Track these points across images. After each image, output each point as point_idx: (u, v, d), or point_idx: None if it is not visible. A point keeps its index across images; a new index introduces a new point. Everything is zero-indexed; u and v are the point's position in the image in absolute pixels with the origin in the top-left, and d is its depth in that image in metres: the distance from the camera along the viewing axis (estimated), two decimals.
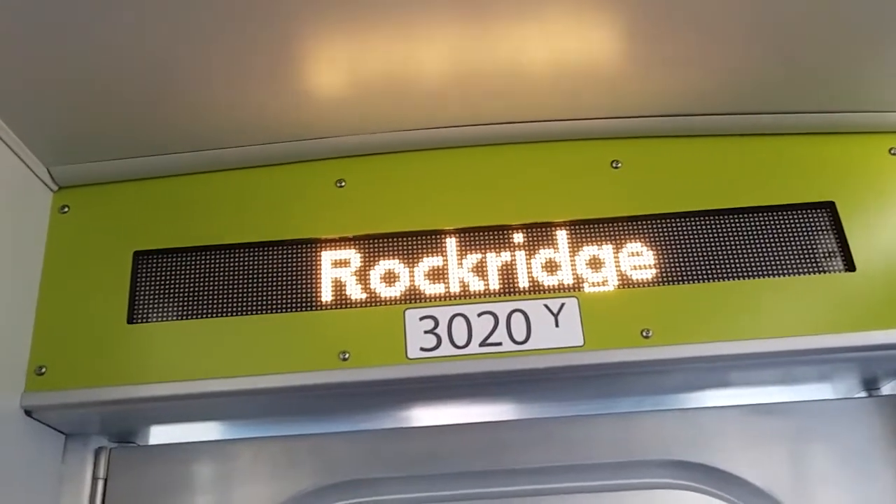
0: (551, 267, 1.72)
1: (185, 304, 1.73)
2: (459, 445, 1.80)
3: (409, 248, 1.75)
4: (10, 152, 1.67)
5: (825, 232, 1.74)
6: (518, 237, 1.75)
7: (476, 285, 1.71)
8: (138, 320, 1.72)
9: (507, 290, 1.70)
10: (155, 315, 1.72)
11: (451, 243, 1.75)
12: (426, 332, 1.67)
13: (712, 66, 1.66)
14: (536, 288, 1.70)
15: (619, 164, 1.82)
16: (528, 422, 1.85)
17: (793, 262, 1.72)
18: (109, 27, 1.43)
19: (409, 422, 1.90)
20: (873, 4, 1.48)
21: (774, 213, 1.76)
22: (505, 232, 1.76)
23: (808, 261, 1.72)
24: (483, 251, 1.74)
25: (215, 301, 1.72)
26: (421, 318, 1.68)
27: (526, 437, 1.81)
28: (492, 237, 1.76)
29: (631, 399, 1.91)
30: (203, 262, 1.76)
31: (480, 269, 1.73)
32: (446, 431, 1.83)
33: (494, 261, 1.73)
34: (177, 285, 1.75)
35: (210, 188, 1.83)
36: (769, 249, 1.73)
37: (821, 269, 1.71)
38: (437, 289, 1.71)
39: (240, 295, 1.73)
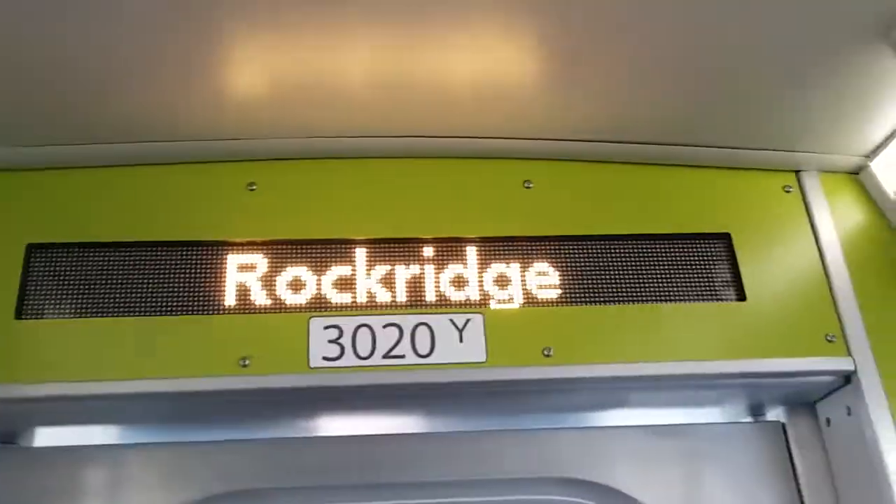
0: (459, 282, 1.74)
1: (80, 301, 1.67)
2: (356, 457, 1.79)
3: (318, 255, 1.74)
4: None
5: (720, 262, 1.82)
6: (427, 251, 1.76)
7: (383, 297, 1.71)
8: (28, 316, 1.64)
9: (413, 303, 1.71)
10: (46, 311, 1.66)
11: (360, 253, 1.75)
12: (330, 341, 1.65)
13: (625, 97, 1.72)
14: (443, 302, 1.72)
15: (532, 185, 1.85)
16: (429, 436, 1.86)
17: (690, 289, 1.78)
18: (27, 9, 1.38)
19: (310, 432, 1.88)
20: (776, 48, 1.56)
21: (674, 241, 1.83)
22: (415, 245, 1.77)
23: (703, 289, 1.79)
24: (392, 263, 1.74)
25: (112, 299, 1.67)
26: (325, 328, 1.66)
27: (426, 451, 1.81)
28: (401, 249, 1.76)
29: (533, 416, 1.93)
30: (101, 258, 1.70)
31: (388, 281, 1.73)
32: (343, 442, 1.82)
33: (403, 273, 1.74)
34: (72, 281, 1.68)
35: (115, 183, 1.77)
36: (668, 276, 1.79)
37: (715, 297, 1.78)
38: (344, 298, 1.70)
39: (139, 294, 1.68)
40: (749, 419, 1.98)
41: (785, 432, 1.88)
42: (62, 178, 1.76)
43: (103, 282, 1.68)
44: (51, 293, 1.67)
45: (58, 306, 1.66)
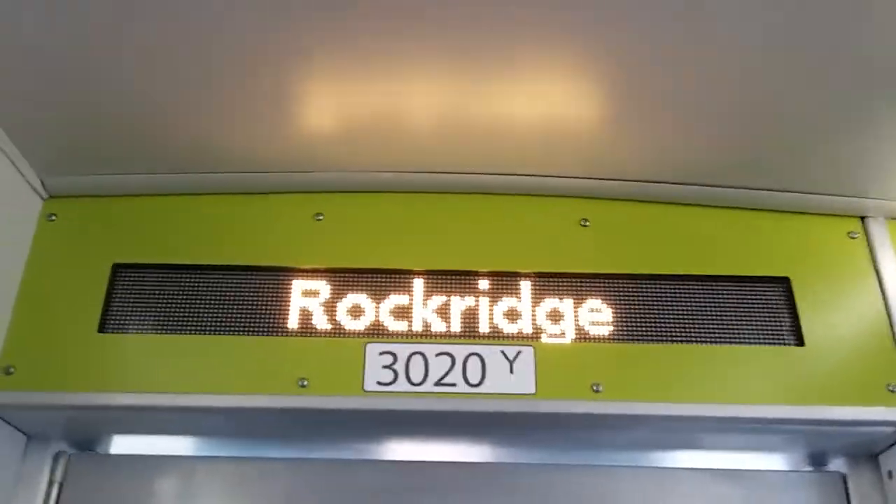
0: (512, 315, 1.78)
1: (156, 318, 1.79)
2: (409, 482, 1.83)
3: (377, 284, 1.81)
4: (6, 160, 1.75)
5: (779, 306, 1.80)
6: (483, 284, 1.81)
7: (437, 326, 1.77)
8: (109, 330, 1.77)
9: (466, 334, 1.76)
10: (126, 326, 1.78)
11: (417, 283, 1.81)
12: (384, 366, 1.72)
13: (685, 139, 1.74)
14: (495, 334, 1.76)
15: (588, 223, 1.88)
16: (480, 465, 1.89)
17: (745, 331, 1.77)
18: (114, 54, 1.51)
19: (361, 454, 1.92)
20: (841, 91, 1.56)
21: (731, 284, 1.82)
22: (470, 277, 1.82)
23: (761, 331, 1.77)
24: (448, 294, 1.80)
25: (185, 318, 1.78)
26: (381, 353, 1.73)
27: (476, 480, 1.84)
28: (457, 281, 1.82)
29: (586, 452, 1.93)
30: (178, 279, 1.82)
31: (443, 311, 1.78)
32: (397, 467, 1.87)
33: (458, 304, 1.79)
34: (150, 300, 1.81)
35: (193, 210, 1.90)
36: (723, 317, 1.79)
37: (773, 340, 1.76)
38: (400, 326, 1.76)
39: (210, 314, 1.78)
40: (810, 468, 1.92)
41: (846, 483, 1.83)
42: (147, 204, 1.90)
43: (179, 301, 1.80)
44: (131, 310, 1.80)
45: (137, 322, 1.79)
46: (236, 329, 1.77)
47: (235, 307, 1.79)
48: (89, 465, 1.87)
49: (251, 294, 1.81)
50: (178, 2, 1.39)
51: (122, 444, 1.93)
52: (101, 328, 1.77)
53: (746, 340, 1.76)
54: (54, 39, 1.47)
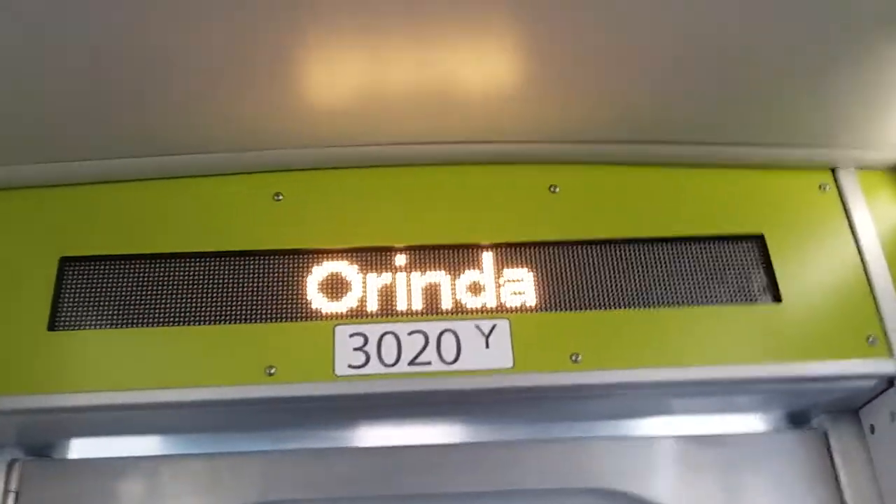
0: (483, 288, 1.72)
1: (110, 312, 1.69)
2: (386, 467, 1.77)
3: (343, 264, 1.74)
4: None
5: (755, 263, 1.77)
6: (451, 257, 1.75)
7: (408, 304, 1.70)
8: (60, 327, 1.67)
9: (437, 310, 1.69)
10: (78, 322, 1.68)
11: (388, 261, 1.74)
12: (355, 349, 1.65)
13: (650, 95, 1.68)
14: (468, 309, 1.70)
15: (557, 189, 1.83)
16: (458, 446, 1.83)
17: (722, 291, 1.74)
18: (50, 33, 1.41)
19: (336, 441, 1.86)
20: (804, 39, 1.52)
21: (705, 244, 1.79)
22: (439, 251, 1.76)
23: (736, 291, 1.74)
24: (421, 270, 1.73)
25: (141, 310, 1.69)
26: (351, 335, 1.66)
27: (454, 461, 1.79)
28: (430, 256, 1.75)
29: (562, 424, 1.89)
30: (131, 269, 1.72)
31: (413, 288, 1.71)
32: (372, 453, 1.81)
33: (429, 279, 1.73)
34: (102, 293, 1.71)
35: (142, 197, 1.80)
36: (699, 278, 1.75)
37: (749, 299, 1.73)
38: (370, 306, 1.70)
39: (167, 305, 1.69)
40: (791, 428, 1.90)
41: (828, 440, 1.81)
42: (92, 192, 1.80)
43: (133, 293, 1.70)
44: (82, 305, 1.70)
45: (89, 317, 1.69)
46: (197, 319, 1.68)
47: (194, 296, 1.70)
48: (46, 471, 1.77)
49: (210, 281, 1.72)
50: None
51: (81, 448, 1.85)
52: (52, 326, 1.67)
53: (723, 300, 1.73)
54: None
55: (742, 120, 1.76)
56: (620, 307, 1.71)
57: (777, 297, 1.73)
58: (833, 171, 1.87)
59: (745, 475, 1.80)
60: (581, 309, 1.71)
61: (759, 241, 1.79)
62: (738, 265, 1.77)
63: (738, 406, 1.85)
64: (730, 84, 1.65)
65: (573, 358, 1.65)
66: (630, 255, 1.77)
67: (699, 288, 1.74)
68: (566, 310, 1.71)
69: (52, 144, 1.72)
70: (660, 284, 1.74)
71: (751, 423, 1.91)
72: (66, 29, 1.41)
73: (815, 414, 1.86)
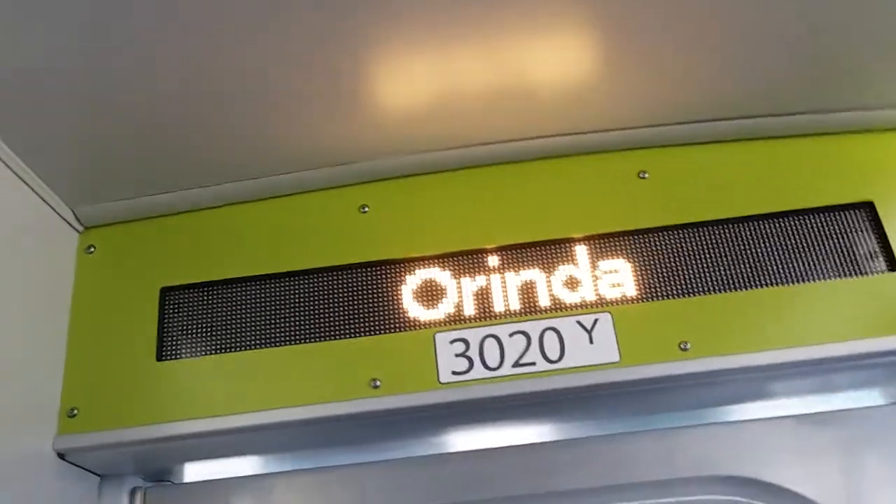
0: (579, 282, 1.69)
1: (213, 338, 1.71)
2: (497, 469, 1.75)
3: (437, 271, 1.73)
4: (33, 195, 1.68)
5: (865, 232, 1.69)
6: (544, 253, 1.72)
7: (506, 304, 1.67)
8: (167, 357, 1.70)
9: (536, 309, 1.67)
10: (184, 351, 1.71)
11: (481, 264, 1.72)
12: (457, 355, 1.63)
13: (740, 69, 1.62)
14: (567, 305, 1.66)
15: (647, 175, 1.78)
16: (568, 442, 1.80)
17: (833, 265, 1.66)
18: (130, 64, 1.43)
19: (444, 448, 1.85)
20: None
21: (810, 216, 1.71)
22: (532, 249, 1.73)
23: (848, 263, 1.66)
24: (515, 270, 1.71)
25: (243, 334, 1.71)
26: (452, 342, 1.65)
27: (567, 459, 1.76)
28: (523, 254, 1.72)
29: (673, 414, 1.84)
30: (229, 294, 1.75)
31: (508, 288, 1.69)
32: (483, 456, 1.79)
33: (524, 278, 1.70)
34: (204, 320, 1.73)
35: (233, 221, 1.82)
36: (807, 253, 1.68)
37: (862, 271, 1.65)
38: (468, 311, 1.68)
39: (267, 326, 1.71)
40: None
41: None
42: (185, 221, 1.83)
43: (232, 317, 1.73)
44: (186, 333, 1.73)
45: (193, 346, 1.72)
46: (297, 338, 1.69)
47: (292, 315, 1.71)
48: (166, 496, 1.82)
49: (305, 299, 1.73)
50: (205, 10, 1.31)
51: (196, 471, 1.89)
52: (159, 356, 1.70)
53: (835, 274, 1.65)
54: (71, 59, 1.39)
55: (835, 84, 1.68)
56: (725, 290, 1.65)
57: (892, 266, 1.64)
58: None
59: (866, 451, 1.72)
60: (684, 296, 1.65)
61: (868, 208, 1.70)
62: (848, 236, 1.68)
63: (858, 381, 1.76)
64: (818, 48, 1.57)
65: (682, 346, 1.60)
66: (729, 235, 1.71)
67: (808, 263, 1.66)
68: (668, 297, 1.65)
69: (142, 178, 1.76)
70: (765, 263, 1.67)
71: (871, 397, 1.82)
72: (152, 56, 1.42)
73: None
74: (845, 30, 1.53)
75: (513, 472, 1.75)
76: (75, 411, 1.65)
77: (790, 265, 1.67)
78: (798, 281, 1.65)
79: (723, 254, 1.69)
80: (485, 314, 1.67)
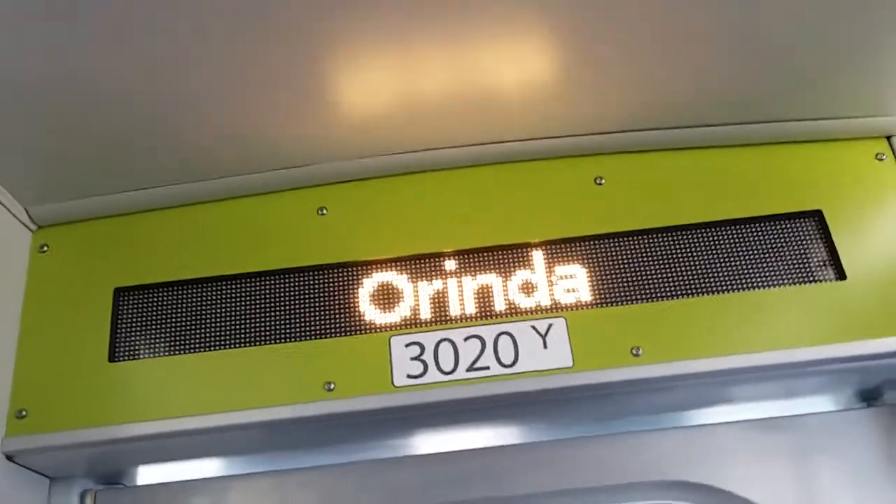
0: (535, 287, 1.70)
1: (167, 339, 1.70)
2: (452, 473, 1.76)
3: (392, 275, 1.73)
4: None
5: (814, 241, 1.72)
6: (500, 258, 1.73)
7: (461, 309, 1.68)
8: (120, 358, 1.69)
9: (491, 313, 1.67)
10: (137, 352, 1.70)
11: (438, 268, 1.73)
12: (412, 358, 1.64)
13: (695, 77, 1.64)
14: (522, 309, 1.67)
15: (603, 181, 1.79)
16: (522, 447, 1.81)
17: (782, 272, 1.69)
18: (81, 63, 1.42)
19: (399, 451, 1.85)
20: (854, 9, 1.47)
21: (761, 224, 1.73)
22: (489, 253, 1.74)
23: (797, 271, 1.69)
24: (472, 274, 1.72)
25: (197, 335, 1.70)
26: (407, 345, 1.65)
27: (521, 463, 1.77)
28: (480, 258, 1.73)
29: (626, 419, 1.86)
30: (183, 296, 1.74)
31: (465, 293, 1.70)
32: (438, 460, 1.79)
33: (481, 282, 1.71)
34: (158, 321, 1.72)
35: (189, 222, 1.81)
36: (757, 261, 1.70)
37: (811, 278, 1.68)
38: (423, 315, 1.68)
39: (222, 328, 1.70)
40: (863, 405, 1.85)
41: None
42: (140, 222, 1.81)
43: (186, 318, 1.72)
44: (140, 334, 1.71)
45: (147, 346, 1.70)
46: (251, 340, 1.68)
47: (246, 317, 1.71)
48: (118, 499, 1.80)
49: (261, 301, 1.72)
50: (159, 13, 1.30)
51: (150, 474, 1.86)
52: (112, 357, 1.68)
53: (784, 282, 1.68)
54: (24, 61, 1.38)
55: (787, 94, 1.71)
56: (678, 297, 1.67)
57: (841, 274, 1.67)
58: (889, 139, 1.80)
59: (817, 456, 1.74)
60: (637, 301, 1.67)
61: (817, 216, 1.73)
62: (797, 244, 1.71)
63: (806, 388, 1.79)
64: (771, 58, 1.60)
65: (634, 352, 1.62)
66: (683, 242, 1.73)
67: (758, 271, 1.69)
68: (622, 303, 1.67)
69: (97, 177, 1.74)
70: (718, 270, 1.69)
71: (820, 403, 1.85)
72: (107, 57, 1.41)
73: (886, 389, 1.79)
74: (796, 41, 1.55)
75: (467, 475, 1.76)
76: (24, 412, 1.63)
77: (743, 272, 1.69)
78: (750, 288, 1.68)
79: (675, 260, 1.71)
80: (440, 318, 1.68)
